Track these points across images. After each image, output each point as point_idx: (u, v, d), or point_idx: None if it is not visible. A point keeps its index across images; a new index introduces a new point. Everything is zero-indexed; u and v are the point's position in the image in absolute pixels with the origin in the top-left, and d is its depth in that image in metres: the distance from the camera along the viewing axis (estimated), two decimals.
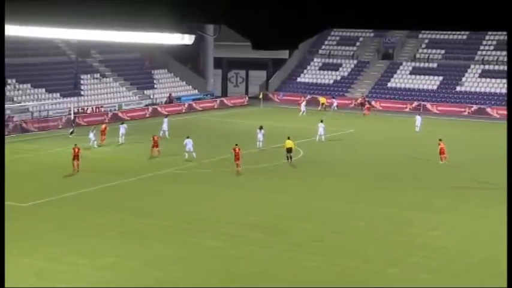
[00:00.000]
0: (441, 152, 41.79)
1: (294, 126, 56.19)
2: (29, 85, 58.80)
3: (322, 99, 67.78)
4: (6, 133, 49.43)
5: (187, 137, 42.48)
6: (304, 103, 64.81)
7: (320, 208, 32.02)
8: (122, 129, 47.40)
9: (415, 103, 68.98)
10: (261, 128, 45.90)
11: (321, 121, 50.16)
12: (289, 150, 40.68)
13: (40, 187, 34.96)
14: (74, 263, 24.07)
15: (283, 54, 73.36)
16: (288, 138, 41.33)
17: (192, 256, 25.14)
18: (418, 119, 55.18)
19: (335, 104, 65.94)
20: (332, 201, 33.28)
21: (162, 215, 30.18)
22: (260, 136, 45.46)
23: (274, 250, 25.96)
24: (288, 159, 40.80)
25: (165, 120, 51.41)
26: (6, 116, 51.63)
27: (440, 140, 42.60)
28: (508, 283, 6.68)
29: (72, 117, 53.38)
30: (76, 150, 38.39)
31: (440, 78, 72.13)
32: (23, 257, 24.54)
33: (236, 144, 39.33)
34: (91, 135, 45.60)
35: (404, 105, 69.01)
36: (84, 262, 24.14)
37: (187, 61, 73.36)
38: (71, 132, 48.98)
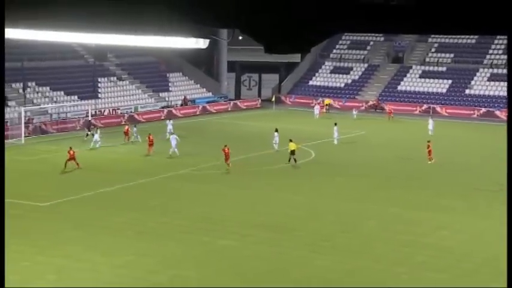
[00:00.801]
0: (429, 153, 42.47)
1: (306, 128, 56.24)
2: (48, 88, 59.20)
3: (327, 101, 67.93)
4: (26, 134, 49.78)
5: (172, 134, 44.93)
6: (317, 106, 64.50)
7: (329, 208, 32.03)
8: (170, 125, 49.63)
9: (425, 106, 68.84)
10: (276, 130, 45.90)
11: (335, 124, 49.85)
12: (292, 152, 40.68)
13: (59, 187, 35.19)
14: (92, 261, 24.23)
15: (295, 58, 73.38)
16: (290, 140, 41.37)
17: (204, 255, 25.24)
18: (431, 122, 54.68)
19: (318, 110, 64.48)
20: (341, 201, 33.27)
21: (176, 215, 30.31)
22: (277, 139, 45.47)
23: (284, 249, 26.00)
24: (290, 161, 40.71)
25: (169, 122, 51.63)
26: (26, 118, 51.98)
27: (428, 141, 43.22)
28: (508, 283, 6.67)
29: (89, 120, 53.59)
30: (71, 152, 38.64)
31: (450, 81, 71.91)
32: (43, 255, 24.73)
33: (225, 145, 39.82)
34: (96, 137, 45.85)
35: (414, 108, 68.89)
36: (101, 260, 24.29)
37: (201, 64, 73.56)
38: (87, 135, 49.19)
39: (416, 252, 25.89)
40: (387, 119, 61.78)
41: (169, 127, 50.51)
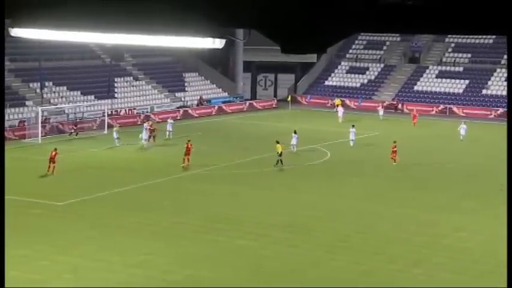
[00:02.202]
0: (393, 153, 41.33)
1: (322, 128, 56.07)
2: (64, 88, 59.54)
3: (337, 101, 67.43)
4: (43, 134, 50.09)
5: (144, 125, 45.98)
6: (340, 108, 62.70)
7: (345, 208, 31.94)
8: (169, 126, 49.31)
9: (441, 106, 68.46)
10: (295, 132, 45.52)
11: (352, 126, 49.16)
12: (280, 154, 39.83)
13: (75, 187, 35.37)
14: (107, 260, 24.33)
15: (311, 58, 73.24)
16: (277, 142, 40.44)
17: (220, 254, 25.25)
18: (463, 127, 51.72)
19: (341, 112, 61.58)
20: (357, 201, 33.16)
21: (191, 214, 30.35)
22: (294, 140, 44.92)
23: (300, 250, 25.96)
24: (278, 163, 39.77)
25: (170, 122, 51.79)
26: (43, 118, 52.30)
27: (394, 142, 42.21)
28: (508, 283, 6.59)
29: (75, 120, 53.50)
30: (53, 153, 38.14)
31: (467, 81, 71.46)
32: (60, 254, 24.88)
33: (189, 140, 40.12)
34: (115, 134, 46.16)
35: (431, 109, 68.54)
36: (117, 260, 24.38)
37: (217, 65, 73.64)
38: (71, 134, 49.56)
39: (433, 254, 25.74)
40: (412, 125, 57.79)
41: (169, 127, 50.91)
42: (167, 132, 50.00)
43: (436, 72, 73.51)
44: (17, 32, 9.33)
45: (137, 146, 47.02)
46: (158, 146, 47.33)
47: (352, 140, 47.87)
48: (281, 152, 40.09)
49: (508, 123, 7.06)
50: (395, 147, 41.71)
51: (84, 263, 24.00)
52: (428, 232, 28.39)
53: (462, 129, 51.64)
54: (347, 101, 71.08)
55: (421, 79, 73.36)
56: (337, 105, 66.31)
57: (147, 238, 26.95)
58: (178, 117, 61.70)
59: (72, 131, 50.52)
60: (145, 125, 47.85)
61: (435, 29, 6.51)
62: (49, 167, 37.95)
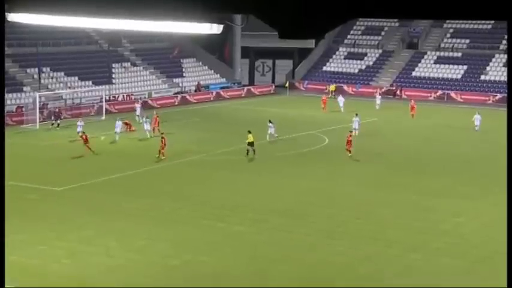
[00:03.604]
0: (348, 143, 39.29)
1: (319, 114, 56.01)
2: (62, 73, 59.39)
3: (332, 87, 67.29)
4: (41, 120, 50.00)
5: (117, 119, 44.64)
6: (378, 96, 61.19)
7: (343, 194, 32.00)
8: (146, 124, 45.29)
9: (440, 92, 68.44)
10: (270, 121, 44.15)
11: (356, 115, 47.39)
12: (251, 144, 38.72)
13: (73, 172, 35.38)
14: (105, 245, 24.39)
15: (309, 43, 73.06)
16: (249, 132, 39.12)
17: (218, 240, 25.32)
18: (478, 117, 49.26)
19: (342, 102, 59.21)
20: (355, 187, 33.22)
21: (190, 200, 30.40)
22: (271, 129, 43.59)
23: (298, 235, 26.03)
24: (248, 152, 38.76)
25: (138, 106, 52.29)
26: (41, 104, 52.18)
27: (350, 131, 40.84)
28: (508, 283, 6.60)
29: (56, 109, 52.41)
30: (84, 137, 39.41)
31: (465, 67, 71.38)
32: (58, 239, 24.94)
33: (162, 133, 39.77)
34: (118, 123, 44.79)
35: (429, 94, 68.50)
36: (115, 245, 24.44)
37: (215, 50, 73.43)
38: (52, 124, 48.16)
39: (432, 239, 25.83)
40: (411, 116, 54.82)
41: (138, 111, 51.09)
42: (137, 117, 49.28)
43: (435, 57, 73.39)
44: (13, 17, 9.29)
45: (136, 133, 46.93)
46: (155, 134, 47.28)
47: (356, 129, 45.82)
48: (252, 142, 38.70)
49: (508, 124, 7.01)
50: (350, 136, 39.80)
51: (82, 248, 24.06)
52: (426, 217, 28.47)
53: (477, 119, 49.12)
54: (345, 87, 71.02)
55: (419, 65, 73.25)
56: (332, 91, 66.11)
57: (145, 223, 27.01)
58: (176, 103, 61.66)
59: (54, 122, 48.51)
60: (144, 119, 46.47)
61: (434, 14, 6.49)
62: (88, 148, 38.97)
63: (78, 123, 43.57)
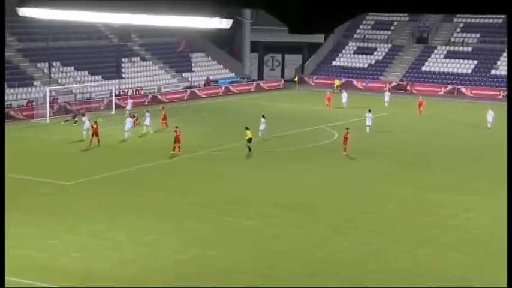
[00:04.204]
0: (345, 141, 38.14)
1: (328, 109, 55.89)
2: (72, 68, 59.54)
3: (337, 82, 67.02)
4: (51, 114, 50.18)
5: (129, 116, 43.61)
6: (387, 93, 60.11)
7: (352, 189, 31.98)
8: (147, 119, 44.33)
9: (449, 87, 68.19)
10: (263, 116, 43.34)
11: (369, 111, 46.60)
12: (249, 140, 38.22)
13: (83, 166, 35.51)
14: (115, 239, 24.50)
15: (319, 38, 72.89)
16: (247, 128, 38.68)
17: (227, 235, 25.38)
18: (491, 114, 47.44)
19: (345, 98, 57.13)
20: (364, 182, 33.18)
21: (198, 195, 30.46)
22: (262, 126, 42.63)
23: (307, 230, 26.05)
24: (250, 149, 38.30)
25: (130, 101, 52.60)
26: (51, 98, 52.37)
27: (347, 128, 39.02)
28: (508, 283, 6.57)
29: (75, 108, 52.40)
30: (94, 126, 39.86)
31: (475, 62, 71.06)
32: (68, 233, 25.06)
33: (176, 127, 38.78)
34: (128, 120, 44.33)
35: (439, 89, 68.26)
36: (125, 239, 24.54)
37: (224, 45, 73.40)
38: (75, 121, 47.87)
39: (441, 234, 25.79)
40: (418, 113, 53.32)
41: (129, 106, 51.23)
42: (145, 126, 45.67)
43: (445, 52, 73.10)
44: (24, 11, 9.33)
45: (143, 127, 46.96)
46: (165, 129, 47.39)
47: (368, 126, 45.29)
48: (250, 139, 38.22)
49: (508, 123, 6.95)
50: (347, 133, 38.38)
51: (92, 242, 24.17)
52: (435, 212, 28.41)
53: (490, 115, 47.52)
54: (354, 82, 70.85)
55: (429, 59, 72.98)
56: (337, 86, 65.76)
57: (154, 218, 27.10)
58: (185, 98, 61.72)
59: (71, 118, 47.88)
60: (147, 114, 45.72)
61: (431, 8, 6.47)
62: (91, 140, 39.36)
63: (84, 118, 43.00)
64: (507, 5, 5.69)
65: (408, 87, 68.44)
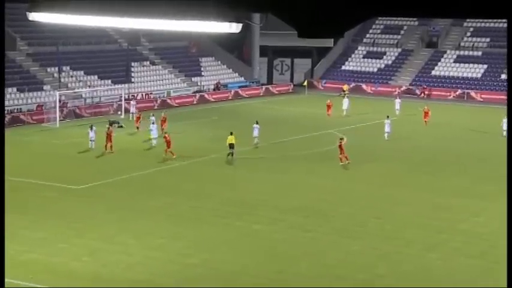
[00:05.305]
0: (341, 152, 36.98)
1: (338, 113, 55.77)
2: (82, 72, 59.78)
3: (344, 87, 66.60)
4: (61, 118, 50.40)
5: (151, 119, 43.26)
6: (398, 100, 57.13)
7: (361, 193, 31.92)
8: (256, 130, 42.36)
9: (459, 91, 67.96)
10: (257, 122, 42.37)
11: (387, 117, 45.82)
12: (231, 146, 37.55)
13: (92, 170, 35.61)
14: (125, 243, 24.54)
15: (328, 42, 72.91)
16: (231, 133, 38.11)
17: (237, 238, 25.38)
18: (505, 122, 44.76)
19: (347, 104, 55.47)
20: (373, 186, 33.11)
21: (209, 199, 30.48)
22: (256, 132, 41.64)
23: (316, 234, 26.02)
24: (229, 155, 37.70)
25: (133, 103, 52.32)
26: (61, 103, 52.59)
27: (341, 138, 37.91)
28: (508, 283, 6.56)
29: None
30: (110, 130, 39.75)
31: (485, 66, 70.81)
32: (78, 237, 25.13)
33: (166, 132, 39.01)
34: (153, 126, 43.58)
35: (448, 93, 68.03)
36: (134, 243, 24.59)
37: (234, 49, 73.51)
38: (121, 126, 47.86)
39: (451, 238, 25.69)
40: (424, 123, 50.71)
41: (133, 109, 50.89)
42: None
43: (454, 56, 72.89)
44: (34, 16, 9.39)
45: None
46: (174, 132, 47.46)
47: (388, 133, 44.28)
48: (232, 144, 37.41)
49: (508, 123, 6.95)
50: (341, 143, 37.17)
51: (102, 245, 24.23)
52: (445, 217, 28.31)
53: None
54: (363, 86, 70.73)
55: (439, 64, 72.80)
56: (344, 91, 64.97)
57: (164, 222, 27.14)
58: (195, 102, 61.83)
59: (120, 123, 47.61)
60: (152, 118, 45.30)
61: (444, 12, 6.47)
62: (105, 145, 38.96)
63: (91, 131, 40.76)
64: (507, 10, 5.69)
65: (424, 93, 67.54)
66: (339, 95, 62.55)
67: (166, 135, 38.52)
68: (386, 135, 44.70)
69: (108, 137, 39.47)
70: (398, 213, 28.86)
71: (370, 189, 32.56)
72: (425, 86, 68.66)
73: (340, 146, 37.25)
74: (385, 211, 29.11)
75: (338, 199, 30.89)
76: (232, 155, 37.89)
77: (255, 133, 41.91)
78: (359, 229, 26.73)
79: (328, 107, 54.42)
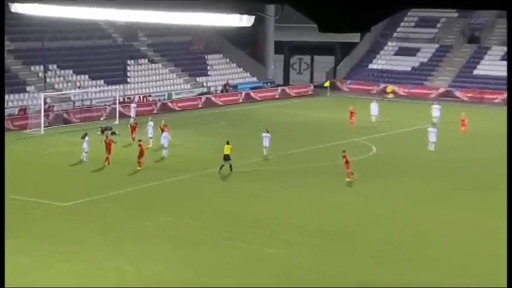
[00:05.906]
0: (347, 166, 36.62)
1: (365, 119, 55.66)
2: (70, 71, 60.11)
3: (389, 88, 66.67)
4: (46, 124, 50.65)
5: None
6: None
7: (393, 212, 31.79)
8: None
9: (506, 93, 67.66)
10: (267, 131, 42.21)
11: (433, 124, 45.57)
12: (226, 157, 37.30)
13: (82, 185, 35.72)
14: (119, 269, 24.57)
15: (354, 37, 72.89)
16: (227, 143, 38.00)
17: (245, 263, 25.34)
18: None
19: (376, 110, 55.59)
20: (408, 204, 32.97)
21: (214, 218, 30.48)
22: (266, 141, 41.68)
23: (341, 259, 25.92)
24: (221, 168, 37.39)
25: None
26: (47, 106, 52.89)
27: (343, 151, 37.28)
28: (508, 283, 6.58)
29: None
30: (108, 140, 39.85)
31: None
32: (65, 262, 25.21)
33: (140, 140, 39.89)
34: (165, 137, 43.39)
35: (494, 96, 67.66)
36: (130, 269, 24.61)
37: (245, 45, 73.69)
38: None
39: (502, 267, 25.46)
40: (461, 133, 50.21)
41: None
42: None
43: (501, 53, 72.64)
44: (17, 7, 9.44)
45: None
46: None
47: (433, 143, 44.19)
48: (227, 155, 37.37)
49: (508, 123, 6.97)
50: (344, 156, 36.67)
51: (93, 272, 24.26)
52: (495, 241, 27.95)
53: None
54: (395, 88, 70.65)
55: (482, 62, 72.60)
56: (389, 93, 65.31)
57: (163, 245, 27.15)
58: (200, 106, 61.98)
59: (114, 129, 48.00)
60: (150, 122, 45.56)
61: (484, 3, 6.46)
62: (107, 158, 39.20)
63: (84, 141, 40.93)
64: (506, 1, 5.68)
65: (484, 97, 67.05)
66: (382, 99, 61.98)
67: (141, 143, 39.18)
68: (431, 145, 44.23)
69: (108, 147, 39.38)
70: (440, 236, 28.68)
71: (402, 207, 32.43)
72: (476, 90, 68.23)
73: (346, 161, 36.66)
74: (424, 233, 28.91)
75: (367, 219, 30.76)
76: (230, 168, 37.65)
77: (265, 143, 41.90)
78: (393, 254, 26.57)
79: (352, 114, 53.03)
